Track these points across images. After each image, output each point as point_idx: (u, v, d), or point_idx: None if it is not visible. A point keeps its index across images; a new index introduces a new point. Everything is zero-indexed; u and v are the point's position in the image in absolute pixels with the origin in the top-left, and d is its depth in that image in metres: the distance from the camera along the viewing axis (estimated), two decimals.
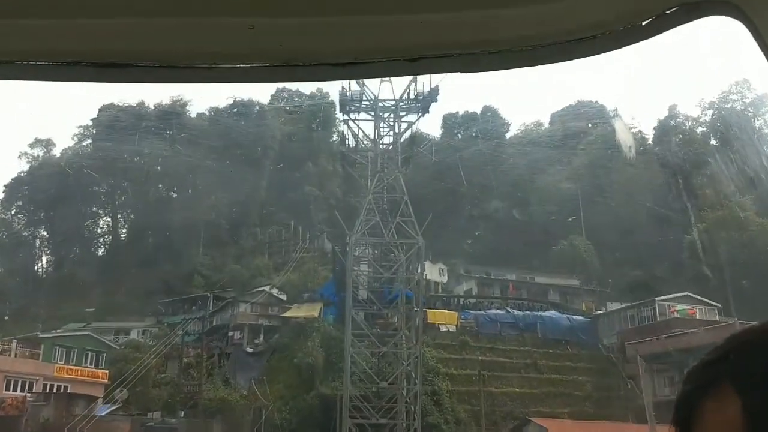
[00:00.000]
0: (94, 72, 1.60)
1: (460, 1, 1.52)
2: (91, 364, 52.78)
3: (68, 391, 47.52)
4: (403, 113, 52.30)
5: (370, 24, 1.56)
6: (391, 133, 53.13)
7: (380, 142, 53.05)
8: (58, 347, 51.92)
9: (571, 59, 1.59)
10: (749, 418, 0.98)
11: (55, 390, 47.57)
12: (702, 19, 1.54)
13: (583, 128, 71.30)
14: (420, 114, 52.56)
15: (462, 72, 1.66)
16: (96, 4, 1.53)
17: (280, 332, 56.77)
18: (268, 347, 56.25)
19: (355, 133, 53.87)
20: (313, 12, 1.52)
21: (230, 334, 57.52)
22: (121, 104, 74.48)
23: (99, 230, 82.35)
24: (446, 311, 58.06)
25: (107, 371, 51.40)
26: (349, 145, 55.22)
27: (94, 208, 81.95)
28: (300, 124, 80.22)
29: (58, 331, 55.80)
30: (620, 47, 1.58)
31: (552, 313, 59.25)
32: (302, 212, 71.73)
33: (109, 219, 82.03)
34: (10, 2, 1.53)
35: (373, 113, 52.73)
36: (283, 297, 60.63)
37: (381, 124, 52.96)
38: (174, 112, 72.60)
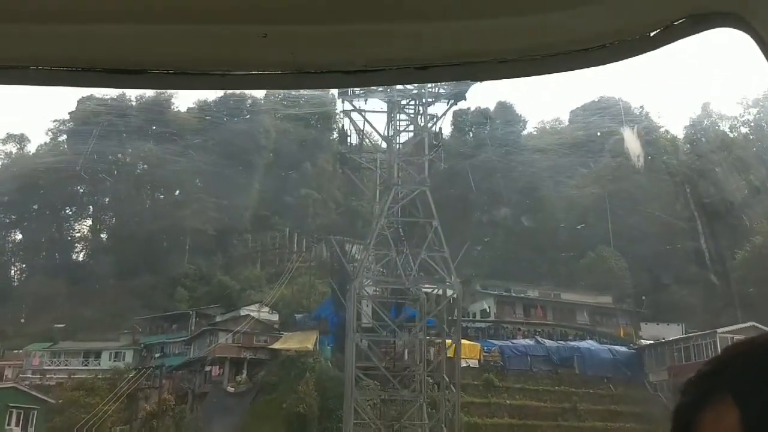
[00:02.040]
0: (107, 78, 1.90)
1: (469, 10, 1.80)
2: (17, 425, 48.72)
3: None
4: (431, 99, 44.45)
5: (381, 32, 1.85)
6: (412, 128, 45.52)
7: (396, 140, 45.34)
8: None
9: (579, 69, 1.87)
10: (747, 427, 1.13)
11: None
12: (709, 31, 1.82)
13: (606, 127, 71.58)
14: (452, 102, 44.73)
15: (471, 80, 1.95)
16: (109, 10, 1.82)
17: (268, 367, 54.48)
18: (253, 386, 53.93)
19: (359, 128, 46.31)
20: (325, 21, 1.81)
21: (207, 368, 55.21)
22: (101, 96, 75.63)
23: (77, 235, 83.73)
24: (466, 342, 54.38)
25: None
26: (351, 144, 47.50)
27: (74, 209, 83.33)
28: (297, 119, 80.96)
29: None
30: (628, 57, 1.86)
31: (590, 344, 57.23)
32: (299, 217, 72.31)
33: (88, 223, 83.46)
34: (24, 8, 1.83)
35: (387, 100, 45.17)
36: (275, 317, 60.46)
37: (398, 116, 45.48)
38: (159, 106, 73.53)
